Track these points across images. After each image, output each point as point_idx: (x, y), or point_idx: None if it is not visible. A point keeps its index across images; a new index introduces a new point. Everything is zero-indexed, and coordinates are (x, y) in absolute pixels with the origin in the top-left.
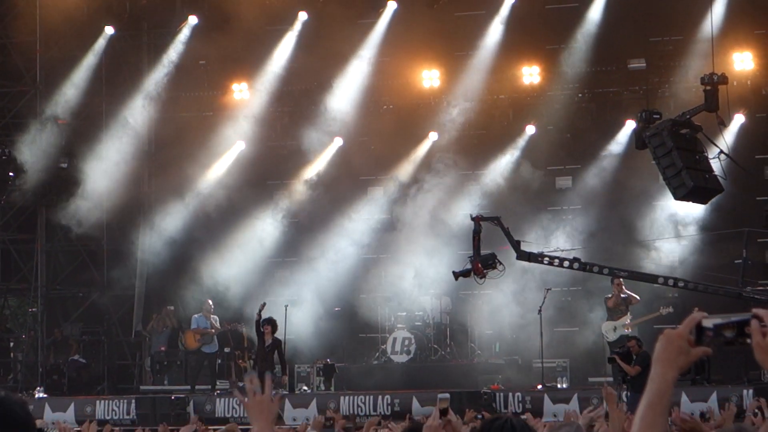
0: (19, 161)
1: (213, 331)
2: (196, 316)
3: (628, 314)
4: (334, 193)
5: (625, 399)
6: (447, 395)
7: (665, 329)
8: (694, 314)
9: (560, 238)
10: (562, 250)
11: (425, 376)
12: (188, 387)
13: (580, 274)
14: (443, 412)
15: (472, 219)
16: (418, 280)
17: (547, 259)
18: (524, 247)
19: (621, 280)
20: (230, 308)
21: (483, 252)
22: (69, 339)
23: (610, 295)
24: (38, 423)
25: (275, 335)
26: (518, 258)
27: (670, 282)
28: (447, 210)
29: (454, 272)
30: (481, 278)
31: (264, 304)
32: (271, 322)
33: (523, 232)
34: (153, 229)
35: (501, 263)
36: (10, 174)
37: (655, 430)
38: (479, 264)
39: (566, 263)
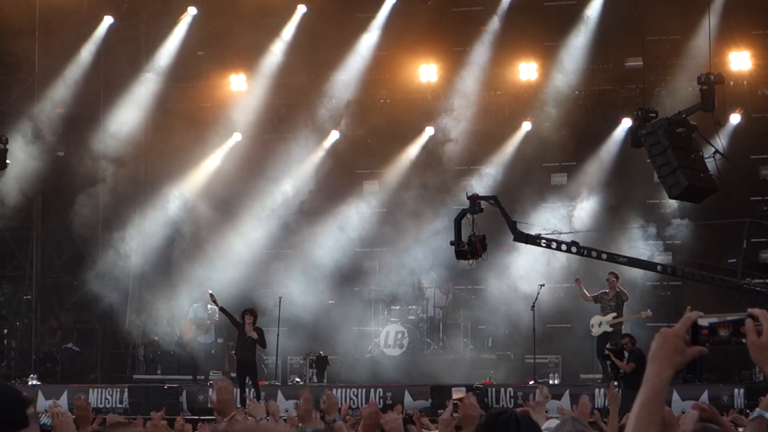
0: (15, 150)
1: (209, 321)
2: (194, 305)
3: (612, 312)
4: (330, 186)
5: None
6: (463, 388)
7: (661, 327)
8: (690, 313)
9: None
10: (561, 233)
11: (417, 369)
12: (181, 377)
13: (575, 268)
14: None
15: (468, 198)
16: (415, 273)
17: (544, 241)
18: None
19: (614, 277)
20: (227, 299)
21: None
22: (52, 325)
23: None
24: (29, 410)
25: (256, 325)
26: (515, 239)
27: (669, 270)
28: (443, 205)
29: (458, 252)
30: (475, 260)
31: (210, 293)
32: (253, 312)
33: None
34: (148, 219)
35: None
36: (7, 162)
37: (651, 428)
38: (479, 244)
39: (564, 246)
